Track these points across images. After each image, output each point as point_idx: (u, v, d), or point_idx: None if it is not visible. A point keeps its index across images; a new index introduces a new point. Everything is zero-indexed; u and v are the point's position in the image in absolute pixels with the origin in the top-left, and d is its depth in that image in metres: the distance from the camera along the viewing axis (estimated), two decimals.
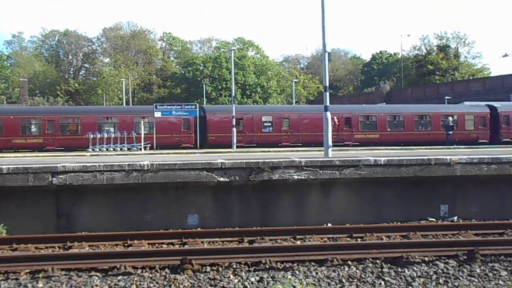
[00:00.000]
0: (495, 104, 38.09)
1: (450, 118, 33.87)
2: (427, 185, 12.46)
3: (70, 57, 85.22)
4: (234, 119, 32.67)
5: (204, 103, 61.99)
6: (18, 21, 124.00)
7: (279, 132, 34.30)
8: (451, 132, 33.05)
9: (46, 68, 79.03)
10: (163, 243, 10.23)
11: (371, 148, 27.68)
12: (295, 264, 8.40)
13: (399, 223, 11.85)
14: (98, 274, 8.02)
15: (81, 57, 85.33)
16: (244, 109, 39.29)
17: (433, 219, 12.33)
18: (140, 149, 30.05)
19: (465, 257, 8.70)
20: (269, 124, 34.93)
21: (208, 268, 8.24)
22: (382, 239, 10.46)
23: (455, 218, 12.44)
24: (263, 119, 34.89)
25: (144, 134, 31.21)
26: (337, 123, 33.49)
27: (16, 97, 69.36)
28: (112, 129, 32.71)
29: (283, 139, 33.73)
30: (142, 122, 32.06)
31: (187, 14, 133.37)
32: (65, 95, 71.09)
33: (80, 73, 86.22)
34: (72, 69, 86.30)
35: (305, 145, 32.20)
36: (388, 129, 35.37)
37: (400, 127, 35.78)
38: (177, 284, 7.61)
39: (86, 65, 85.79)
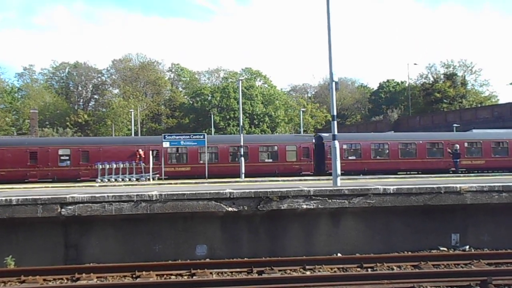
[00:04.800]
0: (322, 134, 37.38)
1: (457, 146, 33.69)
2: (437, 213, 12.32)
3: (80, 88, 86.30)
4: (241, 149, 32.66)
5: (212, 132, 62.30)
6: (29, 54, 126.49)
7: (78, 166, 32.66)
8: (457, 160, 32.87)
9: (56, 99, 80.00)
10: (171, 274, 10.16)
11: (380, 176, 27.57)
12: None
13: (409, 253, 11.72)
14: None
15: (91, 89, 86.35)
16: (40, 142, 37.81)
17: (445, 249, 12.15)
18: (149, 179, 30.12)
19: (478, 287, 8.56)
20: (67, 157, 33.24)
21: None
22: (393, 269, 10.32)
23: (467, 247, 12.26)
24: (60, 152, 33.19)
25: None
26: (143, 156, 32.45)
27: (26, 128, 70.07)
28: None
29: (82, 173, 32.16)
30: (151, 151, 32.16)
31: (195, 45, 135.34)
32: (74, 126, 71.70)
33: (90, 104, 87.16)
34: (81, 100, 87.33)
35: None
36: (201, 162, 33.83)
37: (215, 159, 34.60)
38: None
39: (95, 96, 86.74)
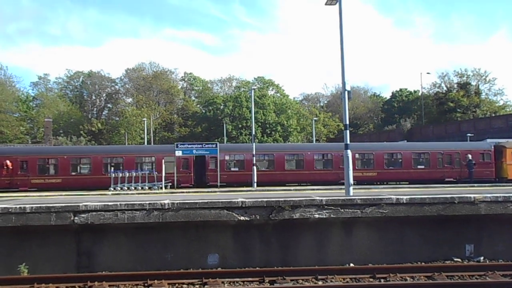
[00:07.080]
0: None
1: (470, 156, 33.42)
2: (451, 224, 12.21)
3: (94, 97, 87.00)
4: (253, 158, 32.63)
5: (225, 141, 62.39)
6: (44, 63, 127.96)
7: None
8: (473, 170, 32.68)
9: (70, 108, 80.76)
10: (183, 283, 10.17)
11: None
12: None
13: (423, 263, 11.61)
14: None
15: (104, 97, 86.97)
16: None
17: (459, 259, 12.03)
18: (161, 187, 30.22)
19: None
20: None
21: None
22: (406, 279, 10.23)
23: (481, 258, 12.12)
24: None
25: None
26: (11, 167, 31.81)
27: (40, 137, 70.74)
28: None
29: None
30: (163, 160, 32.28)
31: (208, 55, 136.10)
32: (88, 135, 72.27)
33: (103, 113, 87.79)
34: (95, 109, 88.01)
35: None
36: (73, 173, 33.06)
37: (86, 170, 33.92)
38: None
39: (109, 105, 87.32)
